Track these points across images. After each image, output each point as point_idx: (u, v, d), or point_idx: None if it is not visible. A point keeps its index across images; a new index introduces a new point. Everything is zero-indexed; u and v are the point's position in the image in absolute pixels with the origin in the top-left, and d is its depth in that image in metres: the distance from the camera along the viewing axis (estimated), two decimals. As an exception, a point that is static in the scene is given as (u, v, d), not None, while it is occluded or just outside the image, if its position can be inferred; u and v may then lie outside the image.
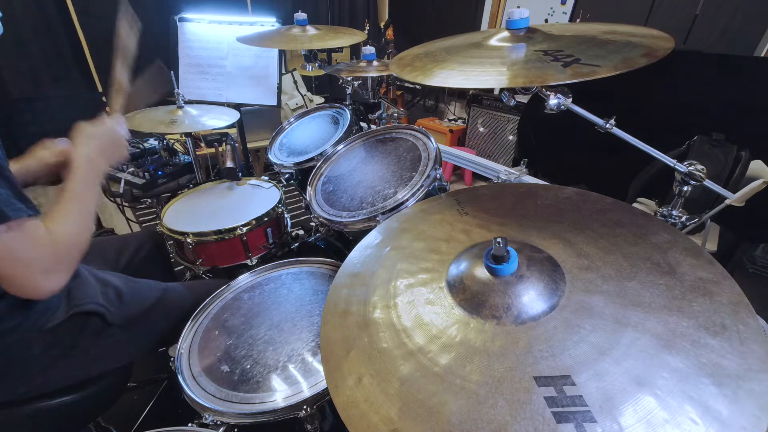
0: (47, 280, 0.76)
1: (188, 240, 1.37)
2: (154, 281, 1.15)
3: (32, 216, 0.74)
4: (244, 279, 1.19)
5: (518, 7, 0.84)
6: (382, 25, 4.32)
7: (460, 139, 3.74)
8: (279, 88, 2.31)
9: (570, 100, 0.80)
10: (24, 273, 0.73)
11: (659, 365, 0.48)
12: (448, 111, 4.27)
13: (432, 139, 1.28)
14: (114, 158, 0.96)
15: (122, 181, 1.96)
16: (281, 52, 2.41)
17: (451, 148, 2.01)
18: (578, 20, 2.99)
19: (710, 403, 0.44)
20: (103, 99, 3.46)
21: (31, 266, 0.73)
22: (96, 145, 0.91)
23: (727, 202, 0.83)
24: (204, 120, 1.77)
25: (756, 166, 1.26)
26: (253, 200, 1.61)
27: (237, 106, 2.21)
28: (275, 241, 1.55)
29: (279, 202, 1.56)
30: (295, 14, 1.63)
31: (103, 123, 0.95)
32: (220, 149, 2.37)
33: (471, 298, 0.62)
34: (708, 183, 0.81)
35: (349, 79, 1.72)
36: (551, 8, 3.11)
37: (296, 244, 1.65)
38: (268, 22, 2.27)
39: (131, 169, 1.99)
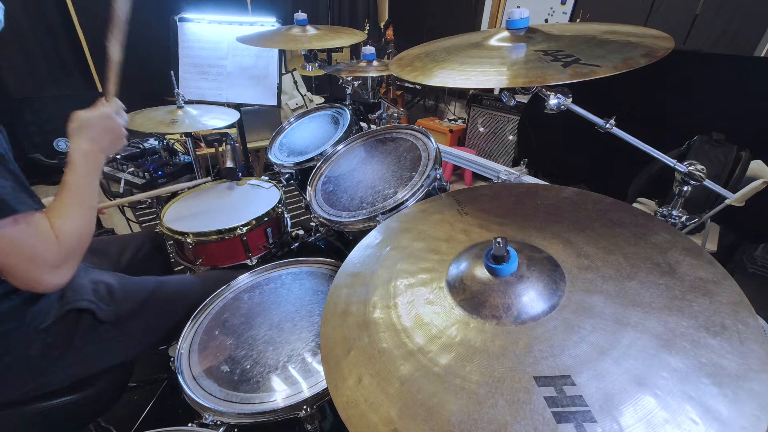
0: (52, 273, 0.77)
1: (188, 240, 1.37)
2: (148, 276, 1.13)
3: (38, 210, 0.74)
4: (244, 279, 1.19)
5: (518, 7, 0.84)
6: (382, 25, 4.32)
7: (460, 139, 3.74)
8: (279, 88, 2.31)
9: (570, 100, 0.80)
10: (29, 266, 0.74)
11: (659, 365, 0.48)
12: (448, 111, 4.27)
13: (432, 139, 1.28)
14: (112, 147, 0.92)
15: (122, 181, 1.96)
16: (281, 52, 2.41)
17: (451, 148, 2.01)
18: (578, 20, 2.99)
19: (710, 403, 0.44)
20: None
21: (36, 260, 0.74)
22: (91, 135, 0.87)
23: (727, 202, 0.83)
24: (204, 120, 1.77)
25: (756, 166, 1.26)
26: (253, 200, 1.61)
27: (237, 106, 2.21)
28: (275, 241, 1.55)
29: (279, 202, 1.56)
30: (295, 14, 1.63)
31: (97, 109, 0.91)
32: (220, 149, 2.37)
33: (471, 298, 0.62)
34: (708, 183, 0.81)
35: (349, 79, 1.72)
36: (551, 8, 3.11)
37: (296, 244, 1.65)
38: (268, 22, 2.27)
39: (131, 169, 1.99)
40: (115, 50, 0.98)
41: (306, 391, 0.84)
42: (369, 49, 1.76)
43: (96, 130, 0.88)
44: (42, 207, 0.76)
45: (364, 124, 1.88)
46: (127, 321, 1.01)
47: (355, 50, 3.99)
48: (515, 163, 1.74)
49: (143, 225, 2.82)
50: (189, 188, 1.66)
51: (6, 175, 0.70)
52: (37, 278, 0.75)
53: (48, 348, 0.90)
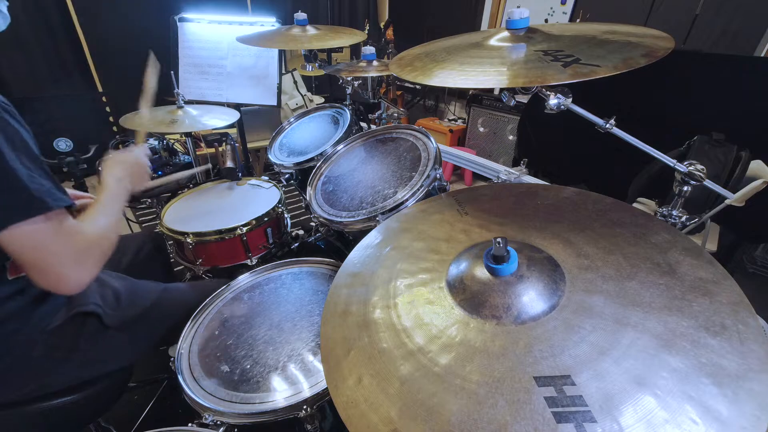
0: (76, 271, 0.78)
1: (188, 240, 1.37)
2: (153, 282, 1.15)
3: (69, 206, 0.78)
4: (244, 279, 1.19)
5: (518, 7, 0.84)
6: (382, 25, 4.32)
7: (460, 139, 3.74)
8: (279, 88, 2.31)
9: (570, 100, 0.80)
10: (55, 262, 0.75)
11: (659, 365, 0.48)
12: (448, 111, 4.27)
13: (432, 139, 1.28)
14: (137, 182, 1.07)
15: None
16: (281, 52, 2.41)
17: (451, 148, 2.01)
18: (578, 20, 2.99)
19: (710, 403, 0.44)
20: (104, 99, 3.46)
21: (61, 256, 0.76)
22: (123, 168, 1.02)
23: (727, 202, 0.83)
24: (204, 120, 1.77)
25: (756, 166, 1.26)
26: (253, 200, 1.61)
27: (237, 106, 2.21)
28: (275, 241, 1.55)
29: (279, 202, 1.56)
30: (295, 14, 1.63)
31: (130, 151, 1.10)
32: (220, 149, 2.37)
33: (471, 298, 0.62)
34: (708, 183, 0.81)
35: (349, 79, 1.72)
36: (551, 8, 3.11)
37: (296, 244, 1.65)
38: (268, 22, 2.27)
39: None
40: (145, 112, 1.24)
41: (306, 391, 0.84)
42: (369, 49, 1.76)
43: (128, 166, 1.04)
44: (73, 204, 0.80)
45: (364, 124, 1.88)
46: (131, 326, 1.02)
47: (355, 50, 3.99)
48: (515, 163, 1.74)
49: (143, 225, 2.82)
50: (188, 179, 1.67)
51: (43, 174, 0.75)
52: (61, 274, 0.76)
53: (51, 349, 0.90)
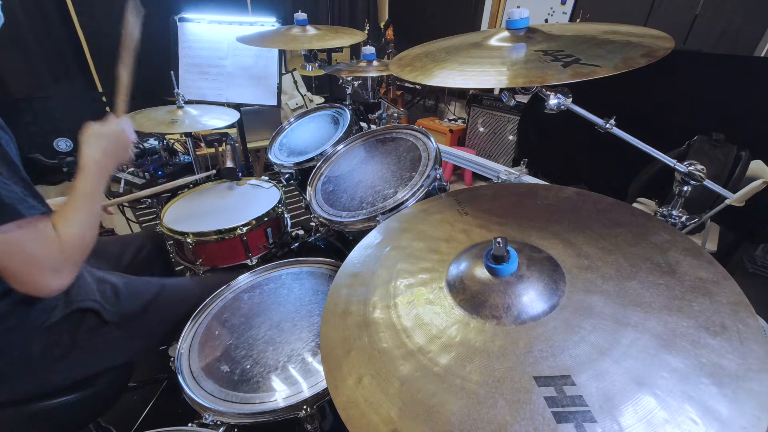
0: (54, 278, 0.77)
1: (188, 240, 1.37)
2: (152, 278, 1.15)
3: (45, 214, 0.75)
4: (244, 279, 1.19)
5: (518, 7, 0.84)
6: (382, 25, 4.31)
7: (460, 139, 3.74)
8: (279, 88, 2.31)
9: (570, 100, 0.80)
10: (31, 270, 0.74)
11: (659, 365, 0.48)
12: (448, 111, 4.27)
13: (432, 139, 1.28)
14: (120, 159, 0.97)
15: (122, 181, 1.96)
16: (281, 52, 2.41)
17: (451, 148, 2.01)
18: (578, 20, 2.99)
19: (710, 403, 0.44)
20: (103, 99, 3.46)
21: (38, 264, 0.75)
22: (102, 145, 0.91)
23: (727, 202, 0.83)
24: (204, 120, 1.77)
25: (756, 166, 1.26)
26: (253, 200, 1.61)
27: (237, 106, 2.21)
28: (275, 241, 1.55)
29: (279, 202, 1.56)
30: (295, 14, 1.63)
31: (109, 123, 0.96)
32: (220, 149, 2.37)
33: (471, 298, 0.62)
34: (708, 183, 0.81)
35: (349, 79, 1.72)
36: (551, 8, 3.11)
37: (296, 244, 1.65)
38: (268, 22, 2.27)
39: (131, 169, 1.99)
40: (124, 73, 1.04)
41: (306, 391, 0.84)
42: (369, 49, 1.76)
43: (108, 141, 0.93)
44: (49, 211, 0.77)
45: (364, 124, 1.88)
46: (130, 322, 1.02)
47: (355, 50, 3.99)
48: (515, 163, 1.73)
49: (143, 225, 2.82)
50: (189, 185, 1.66)
51: (17, 181, 0.73)
52: (38, 281, 0.75)
53: (50, 347, 0.90)
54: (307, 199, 1.33)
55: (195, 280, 1.26)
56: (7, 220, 0.69)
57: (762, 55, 2.26)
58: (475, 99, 3.50)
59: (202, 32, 2.29)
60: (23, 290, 0.75)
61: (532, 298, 0.59)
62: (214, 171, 1.78)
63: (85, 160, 0.88)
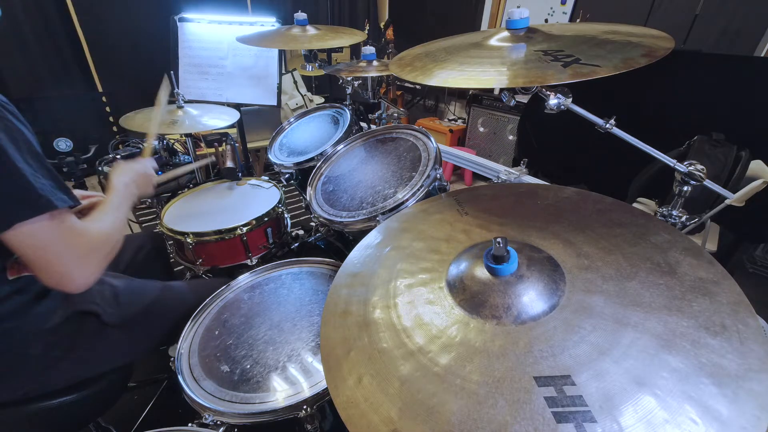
0: (80, 270, 0.79)
1: (188, 240, 1.37)
2: (152, 281, 1.15)
3: (74, 206, 0.78)
4: (244, 279, 1.19)
5: (518, 7, 0.84)
6: (382, 25, 4.32)
7: (460, 139, 3.74)
8: (279, 88, 2.31)
9: (570, 100, 0.80)
10: (59, 261, 0.76)
11: (659, 365, 0.48)
12: (448, 111, 4.27)
13: (432, 139, 1.28)
14: (143, 191, 1.12)
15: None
16: (281, 52, 2.41)
17: (451, 148, 2.01)
18: (578, 20, 2.99)
19: (710, 403, 0.44)
20: (103, 99, 3.46)
21: (65, 255, 0.76)
22: (130, 176, 1.07)
23: (727, 202, 0.83)
24: (204, 120, 1.77)
25: (756, 166, 1.26)
26: (253, 200, 1.61)
27: (237, 106, 2.21)
28: (275, 241, 1.55)
29: (279, 202, 1.56)
30: (295, 14, 1.63)
31: (138, 161, 1.14)
32: (220, 149, 2.37)
33: (471, 298, 0.62)
34: (708, 183, 0.81)
35: (349, 79, 1.72)
36: (551, 8, 3.11)
37: (296, 244, 1.65)
38: (268, 22, 2.27)
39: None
40: (153, 129, 1.30)
41: (306, 391, 0.84)
42: (369, 49, 1.76)
43: (135, 173, 1.09)
44: (77, 203, 0.80)
45: (364, 124, 1.88)
46: (131, 324, 1.02)
47: (355, 50, 3.99)
48: (515, 163, 1.73)
49: (143, 225, 2.82)
50: (190, 182, 1.67)
51: (45, 173, 0.75)
52: (65, 273, 0.77)
53: (49, 348, 0.90)
54: (307, 199, 1.33)
55: (196, 282, 1.26)
56: (41, 211, 0.72)
57: (762, 55, 2.26)
58: (475, 99, 3.50)
59: (202, 32, 2.29)
60: (50, 282, 0.77)
61: (532, 298, 0.59)
62: (212, 158, 1.80)
63: (115, 182, 1.02)
